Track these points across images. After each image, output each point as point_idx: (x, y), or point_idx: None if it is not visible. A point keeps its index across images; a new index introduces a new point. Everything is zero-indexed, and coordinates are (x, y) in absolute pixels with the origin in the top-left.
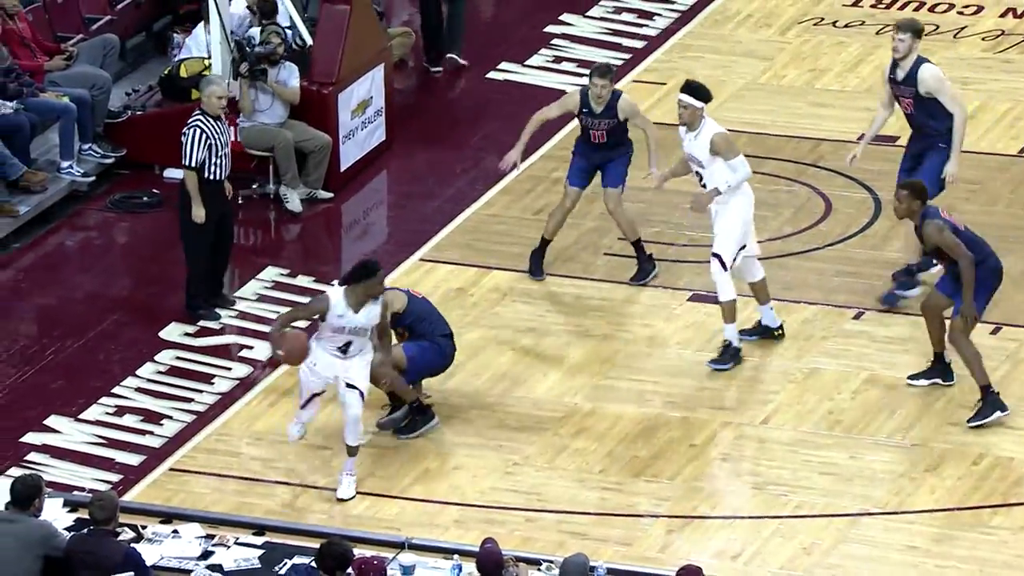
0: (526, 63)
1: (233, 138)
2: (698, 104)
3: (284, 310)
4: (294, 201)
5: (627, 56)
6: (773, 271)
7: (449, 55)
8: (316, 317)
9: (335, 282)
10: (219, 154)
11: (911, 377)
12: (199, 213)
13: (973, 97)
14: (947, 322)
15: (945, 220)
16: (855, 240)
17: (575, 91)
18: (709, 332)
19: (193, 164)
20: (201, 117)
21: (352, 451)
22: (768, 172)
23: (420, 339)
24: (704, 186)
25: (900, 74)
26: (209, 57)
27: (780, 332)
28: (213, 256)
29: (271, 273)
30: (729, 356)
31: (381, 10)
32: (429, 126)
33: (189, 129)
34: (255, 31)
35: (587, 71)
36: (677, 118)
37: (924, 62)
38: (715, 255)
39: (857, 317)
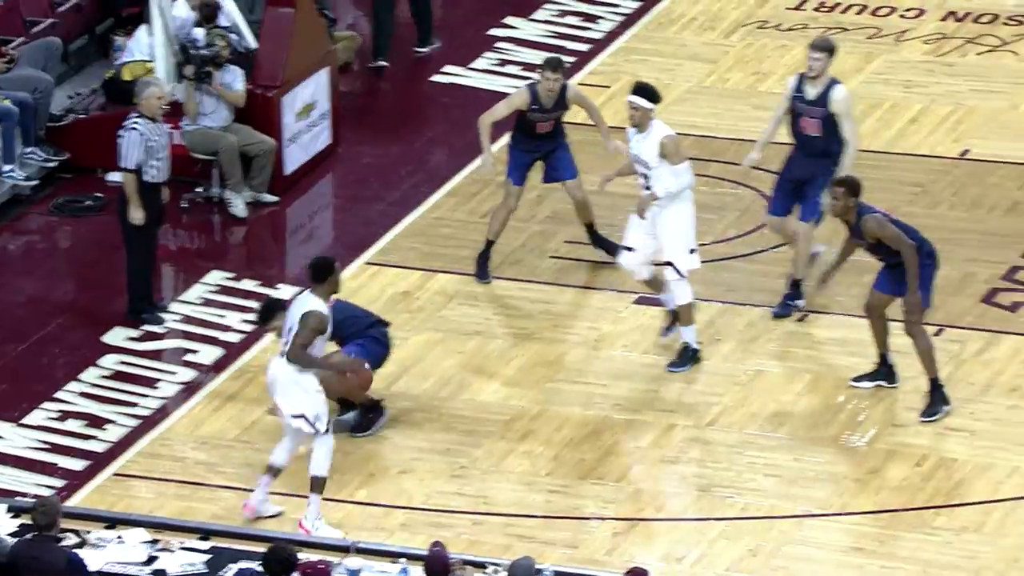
0: (470, 66)
1: (176, 142)
2: (648, 105)
3: (232, 314)
4: (239, 205)
5: (572, 59)
6: (718, 273)
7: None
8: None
9: (296, 290)
10: (158, 156)
11: (855, 379)
12: (137, 215)
13: (915, 100)
14: (889, 323)
15: (881, 213)
16: None
17: (523, 89)
18: (655, 334)
19: (130, 166)
20: (139, 119)
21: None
22: (713, 175)
23: (354, 339)
24: (648, 188)
25: (811, 93)
26: (152, 60)
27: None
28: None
29: (216, 277)
30: (688, 359)
31: (332, 16)
32: (374, 129)
33: (125, 131)
34: (199, 33)
35: (532, 74)
36: (628, 119)
37: (837, 83)
38: (667, 263)
39: (802, 319)
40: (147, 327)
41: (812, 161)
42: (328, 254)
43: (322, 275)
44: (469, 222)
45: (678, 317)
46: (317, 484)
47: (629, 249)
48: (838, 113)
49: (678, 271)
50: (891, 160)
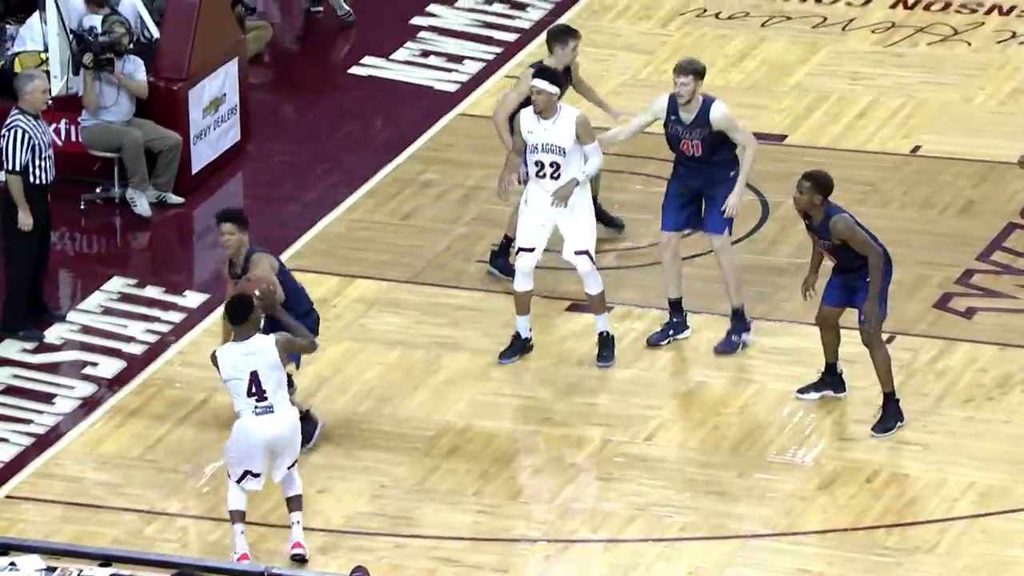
0: (391, 57)
1: (73, 138)
2: (553, 90)
3: (134, 324)
4: (142, 205)
5: (499, 50)
6: (655, 277)
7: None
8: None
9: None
10: (43, 156)
11: (800, 391)
12: (26, 220)
13: (863, 93)
14: (841, 333)
15: (849, 215)
16: (742, 245)
17: (527, 72)
18: (589, 343)
19: (16, 168)
20: (20, 116)
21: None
22: (649, 173)
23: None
24: (556, 177)
25: (687, 117)
26: (46, 50)
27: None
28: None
29: (117, 284)
30: (610, 347)
31: (253, 5)
32: (287, 125)
33: (8, 130)
34: (95, 20)
35: (456, 66)
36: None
37: (713, 101)
38: (582, 252)
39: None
40: (23, 344)
41: (701, 171)
42: None
43: (242, 315)
44: (389, 224)
45: (592, 307)
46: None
47: (529, 250)
48: (724, 129)
49: (591, 258)
50: (838, 156)
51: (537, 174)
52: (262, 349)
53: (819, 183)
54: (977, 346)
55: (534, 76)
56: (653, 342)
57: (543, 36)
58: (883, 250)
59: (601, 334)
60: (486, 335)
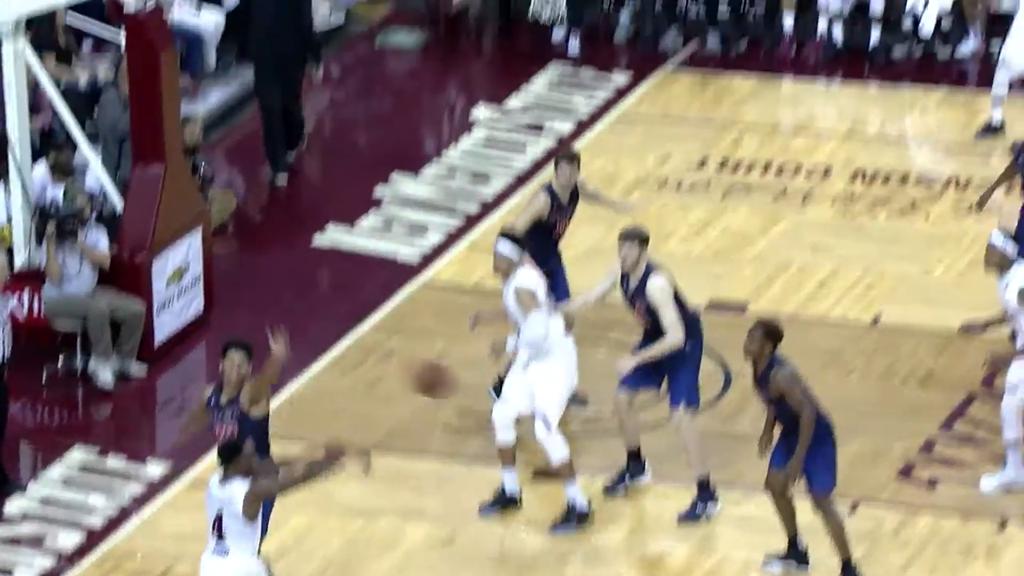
0: (355, 226)
1: (37, 310)
2: (515, 255)
3: (96, 495)
4: (104, 377)
5: (461, 223)
6: (619, 444)
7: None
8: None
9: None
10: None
11: (765, 562)
12: None
13: (824, 263)
14: (794, 502)
15: (793, 371)
16: (705, 414)
17: (541, 192)
18: (559, 510)
19: None
20: None
21: None
22: (616, 336)
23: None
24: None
25: (632, 284)
26: (10, 222)
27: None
28: None
29: (78, 455)
30: (573, 518)
31: (209, 175)
32: (251, 295)
33: None
34: (58, 191)
35: (416, 236)
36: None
37: (653, 273)
38: (541, 416)
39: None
40: None
41: (654, 338)
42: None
43: (227, 458)
44: (354, 393)
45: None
46: None
47: (505, 402)
48: (655, 304)
49: (548, 425)
50: (800, 325)
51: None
52: (233, 497)
53: (771, 332)
54: (940, 516)
55: (499, 239)
56: (609, 491)
57: (504, 207)
58: (820, 415)
59: (567, 504)
60: (449, 504)
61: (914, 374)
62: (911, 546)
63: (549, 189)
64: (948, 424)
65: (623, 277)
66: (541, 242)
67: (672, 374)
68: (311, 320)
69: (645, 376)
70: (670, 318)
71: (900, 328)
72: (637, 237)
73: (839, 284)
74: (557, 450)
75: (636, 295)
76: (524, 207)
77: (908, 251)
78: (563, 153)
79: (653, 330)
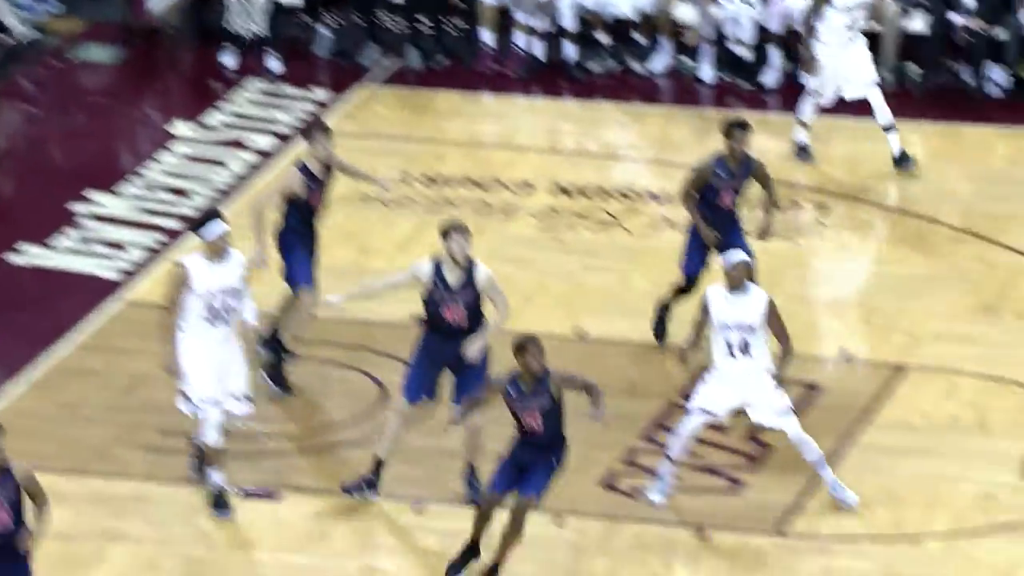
0: (50, 244)
1: None
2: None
3: None
4: None
5: (165, 239)
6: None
7: None
8: None
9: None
10: None
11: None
12: None
13: (528, 277)
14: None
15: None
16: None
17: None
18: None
19: None
20: None
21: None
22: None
23: None
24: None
25: (454, 279)
26: None
27: None
28: None
29: None
30: (222, 502)
31: None
32: None
33: None
34: None
35: (119, 253)
36: None
37: (476, 262)
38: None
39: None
40: None
41: (456, 342)
42: None
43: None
44: (54, 415)
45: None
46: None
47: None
48: (491, 287)
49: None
50: (507, 339)
51: None
52: None
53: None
54: (643, 526)
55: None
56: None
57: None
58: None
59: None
60: (150, 525)
61: (615, 385)
62: (614, 556)
63: (302, 166)
64: (648, 433)
65: (439, 274)
66: (299, 219)
67: (463, 376)
68: (4, 340)
69: (432, 384)
70: (503, 299)
71: (603, 340)
72: (465, 228)
73: (543, 300)
74: (212, 436)
75: (464, 288)
76: (274, 185)
77: (608, 264)
78: (317, 125)
79: (470, 325)
